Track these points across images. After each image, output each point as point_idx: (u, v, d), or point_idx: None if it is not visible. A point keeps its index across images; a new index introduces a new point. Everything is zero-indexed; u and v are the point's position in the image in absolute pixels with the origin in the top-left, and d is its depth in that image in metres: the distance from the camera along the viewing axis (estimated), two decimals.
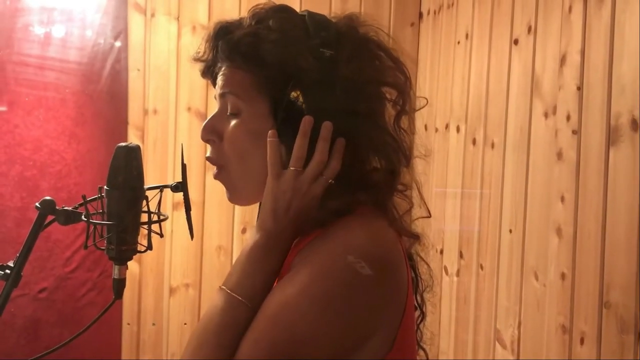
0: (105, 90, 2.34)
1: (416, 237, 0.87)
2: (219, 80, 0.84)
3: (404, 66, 0.85)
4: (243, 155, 0.83)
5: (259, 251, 0.78)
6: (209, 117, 0.86)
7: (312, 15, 0.83)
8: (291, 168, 0.79)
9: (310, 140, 0.79)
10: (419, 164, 0.91)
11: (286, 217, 0.79)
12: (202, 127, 0.86)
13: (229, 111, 0.84)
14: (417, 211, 0.90)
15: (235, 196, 0.87)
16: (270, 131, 0.79)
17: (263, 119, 0.81)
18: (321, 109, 0.79)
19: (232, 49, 0.81)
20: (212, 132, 0.85)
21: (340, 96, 0.79)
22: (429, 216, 0.94)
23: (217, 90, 0.86)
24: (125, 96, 2.38)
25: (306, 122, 0.78)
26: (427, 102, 0.92)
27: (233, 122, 0.83)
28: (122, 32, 2.36)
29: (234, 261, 0.87)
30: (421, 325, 0.93)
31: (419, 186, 0.88)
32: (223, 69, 0.84)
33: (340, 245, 0.75)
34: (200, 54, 0.87)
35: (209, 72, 0.87)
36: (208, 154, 0.87)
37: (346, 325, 0.73)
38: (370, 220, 0.80)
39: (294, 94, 0.79)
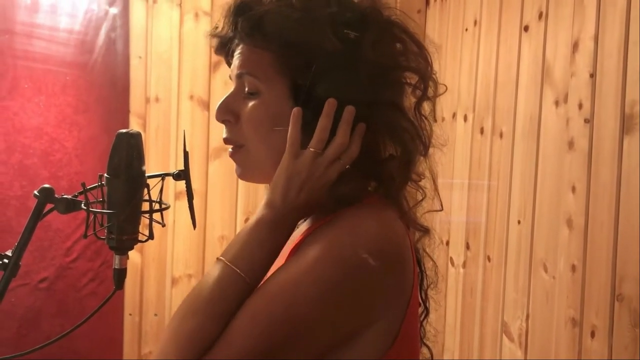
0: (106, 78, 2.30)
1: (425, 231, 0.85)
2: (236, 59, 0.81)
3: (427, 52, 0.83)
4: (264, 136, 0.80)
5: (264, 227, 0.76)
6: (223, 97, 0.83)
7: None
8: (310, 149, 0.76)
9: None
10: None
11: (297, 198, 0.76)
12: (217, 106, 0.83)
13: (247, 91, 0.81)
14: (428, 203, 0.87)
15: (248, 174, 0.85)
16: (295, 108, 0.77)
17: (283, 101, 0.78)
18: (343, 92, 0.76)
19: (253, 27, 0.78)
20: (228, 112, 0.82)
21: (362, 80, 0.77)
22: (441, 209, 0.91)
23: (233, 70, 0.83)
24: (127, 84, 2.35)
25: (331, 104, 0.76)
26: (447, 88, 0.90)
27: (252, 103, 0.80)
28: None
29: None
30: (424, 322, 0.91)
31: (434, 177, 0.86)
32: (241, 47, 0.81)
33: (348, 232, 0.73)
34: (219, 30, 0.83)
35: (224, 49, 0.84)
36: (225, 135, 0.84)
37: (345, 310, 0.72)
38: (380, 210, 0.78)
39: (315, 76, 0.76)
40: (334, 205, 0.77)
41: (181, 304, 0.74)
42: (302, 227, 0.84)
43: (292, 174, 0.76)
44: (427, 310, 0.91)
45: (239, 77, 0.81)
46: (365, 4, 0.81)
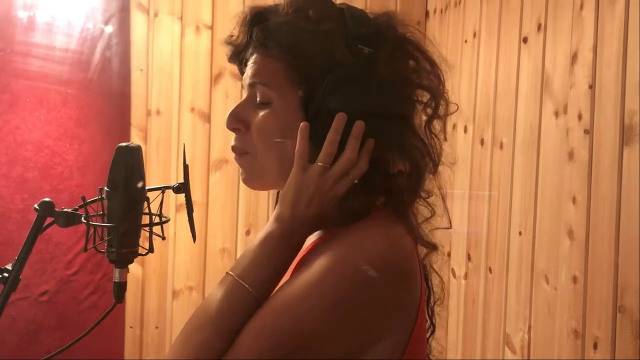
0: (107, 91, 2.31)
1: (433, 248, 0.85)
2: (249, 68, 0.82)
3: (440, 69, 0.83)
4: (272, 146, 0.80)
5: (272, 242, 0.76)
6: (235, 105, 0.83)
7: (350, 9, 0.81)
8: (319, 163, 0.76)
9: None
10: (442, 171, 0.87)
11: (306, 212, 0.76)
12: (227, 114, 0.83)
13: (258, 101, 0.81)
14: (435, 219, 0.87)
15: (252, 180, 0.85)
16: (303, 123, 0.77)
17: (293, 112, 0.79)
18: (354, 107, 0.77)
19: (268, 37, 0.79)
20: (238, 120, 0.83)
21: (374, 95, 0.77)
22: (449, 227, 0.91)
23: (245, 79, 0.83)
24: (128, 97, 2.36)
25: (340, 118, 0.76)
26: (458, 107, 0.90)
27: (262, 113, 0.81)
28: (114, 16, 2.32)
29: None
30: (430, 339, 0.90)
31: (443, 195, 0.85)
32: (255, 56, 0.81)
33: (356, 248, 0.73)
34: (234, 38, 0.84)
35: (237, 58, 0.85)
36: (233, 143, 0.84)
37: (351, 326, 0.72)
38: (388, 225, 0.78)
39: (327, 89, 0.76)
40: (342, 219, 0.77)
41: (190, 318, 0.74)
42: (310, 241, 0.84)
43: (300, 187, 0.76)
44: (433, 327, 0.90)
45: (252, 86, 0.82)
46: (381, 20, 0.81)
